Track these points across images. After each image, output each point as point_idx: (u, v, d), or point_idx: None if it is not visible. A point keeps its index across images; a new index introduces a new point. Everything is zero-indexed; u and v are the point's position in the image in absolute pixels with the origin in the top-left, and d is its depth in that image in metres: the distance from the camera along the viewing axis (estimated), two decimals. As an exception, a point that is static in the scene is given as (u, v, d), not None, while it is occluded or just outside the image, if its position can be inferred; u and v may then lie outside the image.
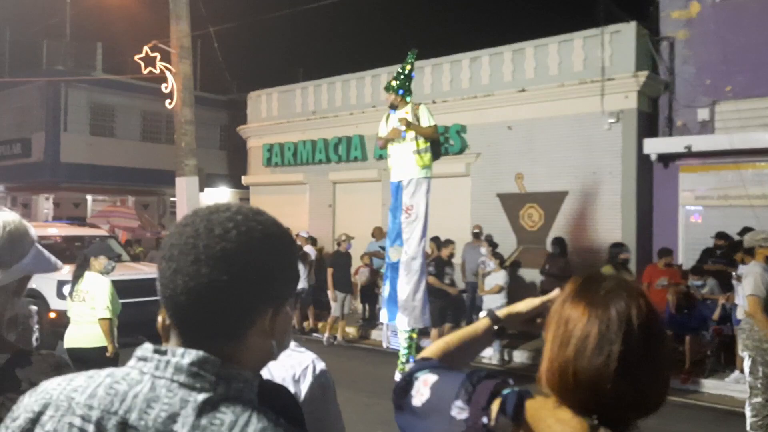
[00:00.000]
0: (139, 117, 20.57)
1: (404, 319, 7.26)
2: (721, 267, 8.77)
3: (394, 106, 7.46)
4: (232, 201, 0.89)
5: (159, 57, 13.85)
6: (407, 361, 7.20)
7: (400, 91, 7.45)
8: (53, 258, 1.67)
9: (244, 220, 0.97)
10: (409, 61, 7.63)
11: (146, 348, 0.96)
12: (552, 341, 1.09)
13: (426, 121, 7.26)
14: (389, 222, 7.64)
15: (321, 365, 2.06)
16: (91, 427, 0.89)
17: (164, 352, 0.93)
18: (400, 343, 7.40)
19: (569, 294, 1.12)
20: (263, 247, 0.97)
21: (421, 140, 7.25)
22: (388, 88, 7.56)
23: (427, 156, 7.30)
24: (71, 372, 1.89)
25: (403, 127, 7.30)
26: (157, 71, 13.89)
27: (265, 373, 1.94)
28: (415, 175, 7.25)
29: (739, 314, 8.11)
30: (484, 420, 1.09)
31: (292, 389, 1.95)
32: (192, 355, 0.92)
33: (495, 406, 1.10)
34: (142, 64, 13.81)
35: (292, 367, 2.00)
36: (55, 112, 18.89)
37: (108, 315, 5.52)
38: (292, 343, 2.09)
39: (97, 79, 18.91)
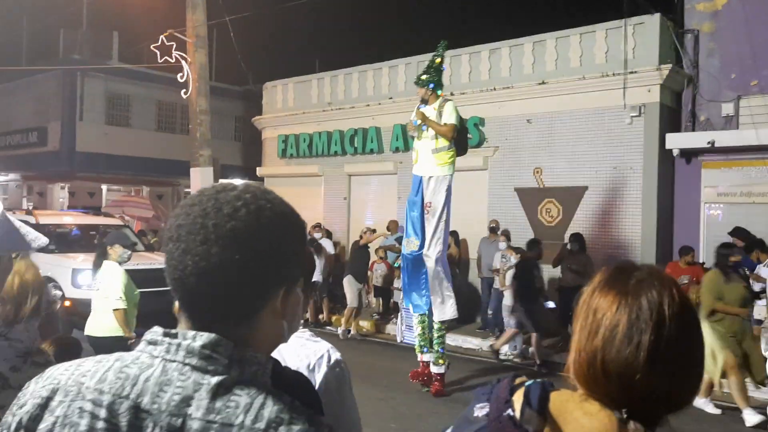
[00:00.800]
0: (155, 107, 20.60)
1: (434, 311, 7.43)
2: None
3: (425, 101, 7.33)
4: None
5: (175, 46, 13.81)
6: (439, 352, 7.39)
7: (431, 85, 7.32)
8: (32, 234, 1.57)
9: (252, 198, 0.95)
10: (440, 53, 7.49)
11: (156, 331, 0.94)
12: (580, 332, 1.04)
13: (446, 118, 7.14)
14: (406, 213, 7.60)
15: (336, 355, 2.02)
16: (102, 412, 0.88)
17: (175, 335, 0.92)
18: (433, 334, 7.48)
19: (598, 283, 1.07)
20: (274, 226, 0.95)
21: (440, 139, 7.18)
22: (418, 82, 7.44)
23: (447, 155, 7.23)
24: (43, 358, 1.84)
25: (419, 121, 7.25)
26: (173, 61, 13.85)
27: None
28: (435, 173, 7.22)
29: (756, 314, 7.98)
30: (510, 412, 1.05)
31: None
32: (204, 337, 0.91)
33: (518, 397, 1.07)
34: (158, 54, 13.78)
35: (307, 357, 1.97)
36: (71, 101, 18.95)
37: (121, 305, 5.47)
38: (308, 333, 2.03)
39: (113, 68, 18.94)
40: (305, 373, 1.93)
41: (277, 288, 0.96)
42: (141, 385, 0.89)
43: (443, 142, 7.18)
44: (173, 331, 0.93)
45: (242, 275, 0.91)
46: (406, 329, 10.33)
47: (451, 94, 12.20)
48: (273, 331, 0.99)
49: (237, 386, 0.89)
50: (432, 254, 7.22)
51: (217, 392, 0.88)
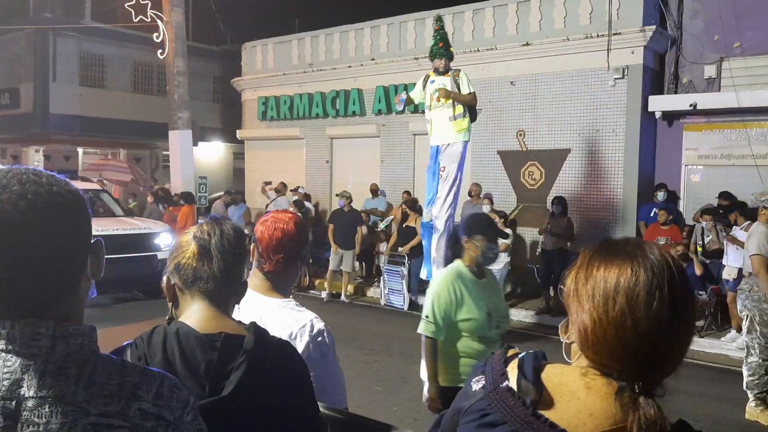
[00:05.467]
0: (130, 67, 20.07)
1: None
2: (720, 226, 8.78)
3: (441, 72, 7.48)
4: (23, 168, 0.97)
5: (150, 5, 13.41)
6: None
7: (449, 56, 7.59)
8: None
9: (34, 195, 0.98)
10: (440, 23, 7.78)
11: None
12: (589, 303, 1.04)
13: (466, 88, 7.37)
14: (427, 183, 7.75)
15: (319, 325, 2.00)
16: None
17: None
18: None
19: (591, 258, 1.08)
20: (60, 211, 1.00)
21: (458, 106, 7.36)
22: (438, 54, 7.53)
23: (465, 120, 7.45)
24: None
25: (403, 98, 7.60)
26: (148, 20, 13.47)
27: None
28: (453, 140, 7.39)
29: (726, 274, 8.12)
30: (507, 384, 1.07)
31: None
32: (22, 323, 0.96)
33: (512, 368, 1.10)
34: (133, 12, 13.37)
35: (290, 326, 1.97)
36: (44, 61, 18.38)
37: (422, 329, 3.46)
38: (292, 303, 2.02)
39: (87, 28, 18.37)
40: None
41: (86, 255, 1.05)
42: None
43: (459, 109, 7.35)
44: None
45: (56, 265, 0.98)
46: (390, 292, 10.39)
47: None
48: (86, 291, 1.07)
49: (65, 361, 0.96)
50: (442, 216, 7.47)
51: (46, 370, 0.95)
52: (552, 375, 1.07)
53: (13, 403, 0.93)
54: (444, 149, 7.43)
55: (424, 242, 8.01)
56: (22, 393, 0.94)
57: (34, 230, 0.96)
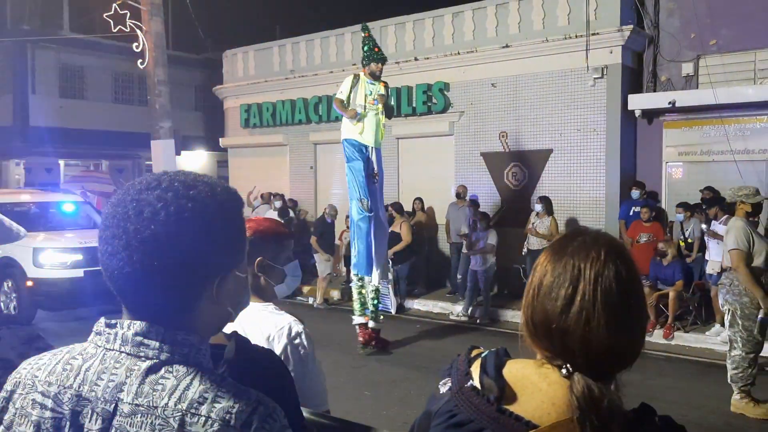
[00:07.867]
0: (110, 78, 19.94)
1: (377, 273, 7.96)
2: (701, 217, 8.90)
3: (377, 76, 7.84)
4: (169, 172, 0.90)
5: (129, 15, 13.32)
6: (376, 308, 8.03)
7: (385, 60, 8.03)
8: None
9: (174, 198, 0.97)
10: (367, 30, 8.14)
11: (101, 322, 1.01)
12: (526, 289, 1.13)
13: (390, 100, 8.13)
14: (355, 179, 7.87)
15: (297, 327, 2.00)
16: (49, 402, 0.97)
17: (114, 325, 0.99)
18: (370, 295, 8.04)
19: (549, 246, 1.15)
20: (194, 226, 0.97)
21: (383, 116, 7.83)
22: (376, 58, 7.85)
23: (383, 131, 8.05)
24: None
25: (346, 111, 7.84)
26: (127, 30, 13.38)
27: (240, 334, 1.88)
28: (377, 144, 7.88)
29: (709, 269, 8.22)
30: (471, 383, 1.09)
31: None
32: (136, 326, 0.97)
33: (476, 367, 1.12)
34: (112, 23, 13.28)
35: (268, 329, 1.98)
36: (22, 74, 18.21)
37: None
38: (271, 306, 2.02)
39: (65, 39, 18.22)
40: (264, 345, 1.92)
41: (209, 280, 1.00)
42: (83, 375, 0.96)
43: (384, 119, 7.89)
44: (113, 321, 0.99)
45: (165, 279, 0.95)
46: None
47: (415, 59, 12.13)
48: (213, 315, 1.04)
49: (166, 369, 0.94)
50: (384, 218, 7.97)
51: (147, 376, 0.94)
52: (514, 370, 1.09)
53: (112, 406, 0.93)
54: (373, 152, 7.83)
55: (359, 241, 7.95)
56: (121, 397, 0.93)
57: (161, 236, 0.94)
